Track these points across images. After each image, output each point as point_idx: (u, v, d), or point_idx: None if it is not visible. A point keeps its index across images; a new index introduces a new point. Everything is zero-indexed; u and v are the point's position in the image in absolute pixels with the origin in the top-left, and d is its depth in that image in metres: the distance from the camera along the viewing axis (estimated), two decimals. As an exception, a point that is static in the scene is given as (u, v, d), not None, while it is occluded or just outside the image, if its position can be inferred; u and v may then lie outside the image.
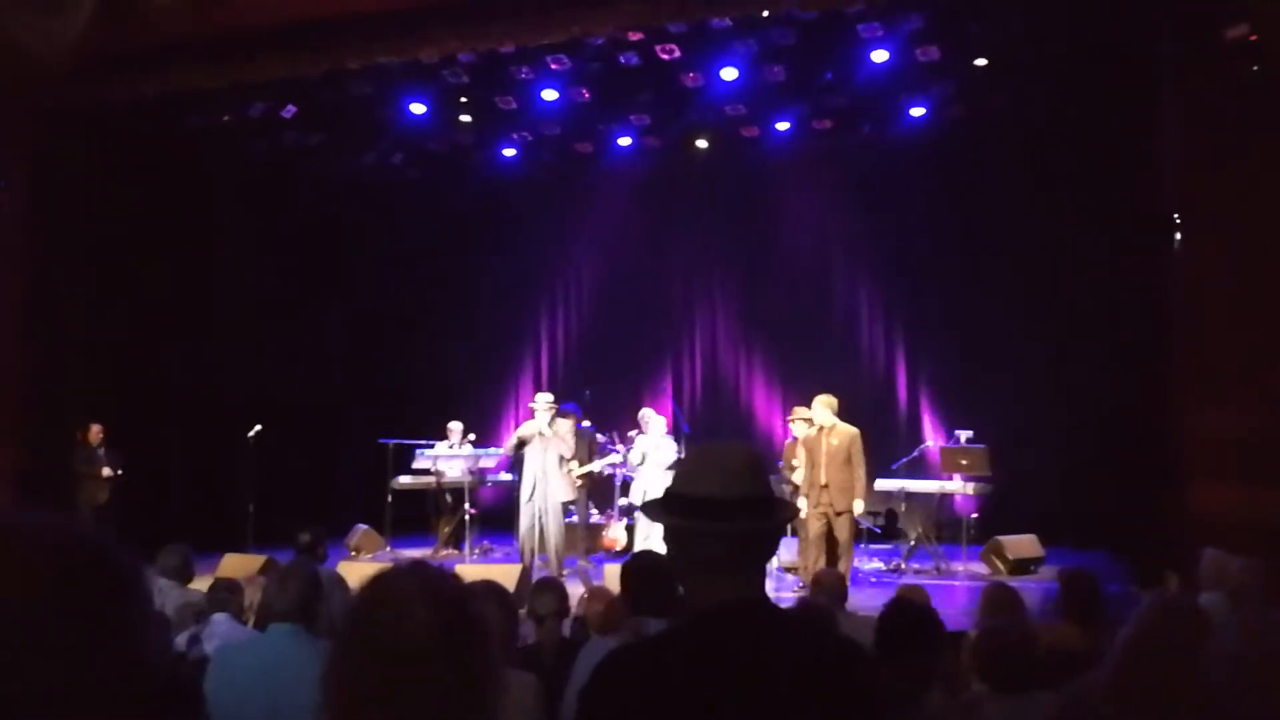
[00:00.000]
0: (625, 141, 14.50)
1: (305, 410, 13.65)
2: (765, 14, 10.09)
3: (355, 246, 14.98)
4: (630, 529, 11.92)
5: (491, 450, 12.84)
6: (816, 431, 10.00)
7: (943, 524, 11.75)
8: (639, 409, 12.98)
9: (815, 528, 9.80)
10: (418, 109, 12.90)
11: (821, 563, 9.41)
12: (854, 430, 9.92)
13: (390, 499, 12.64)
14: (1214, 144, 8.59)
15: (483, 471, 12.85)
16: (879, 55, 11.44)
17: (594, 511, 12.84)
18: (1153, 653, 2.52)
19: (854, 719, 1.89)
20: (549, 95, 12.55)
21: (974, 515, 11.43)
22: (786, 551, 10.28)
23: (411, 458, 12.80)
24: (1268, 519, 7.31)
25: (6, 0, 8.36)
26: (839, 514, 9.77)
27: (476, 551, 12.27)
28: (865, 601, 8.66)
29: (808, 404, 10.23)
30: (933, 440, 13.12)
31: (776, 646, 1.88)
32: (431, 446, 12.75)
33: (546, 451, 10.76)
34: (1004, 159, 13.01)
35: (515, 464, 11.56)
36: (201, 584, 6.50)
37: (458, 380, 15.23)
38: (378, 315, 15.21)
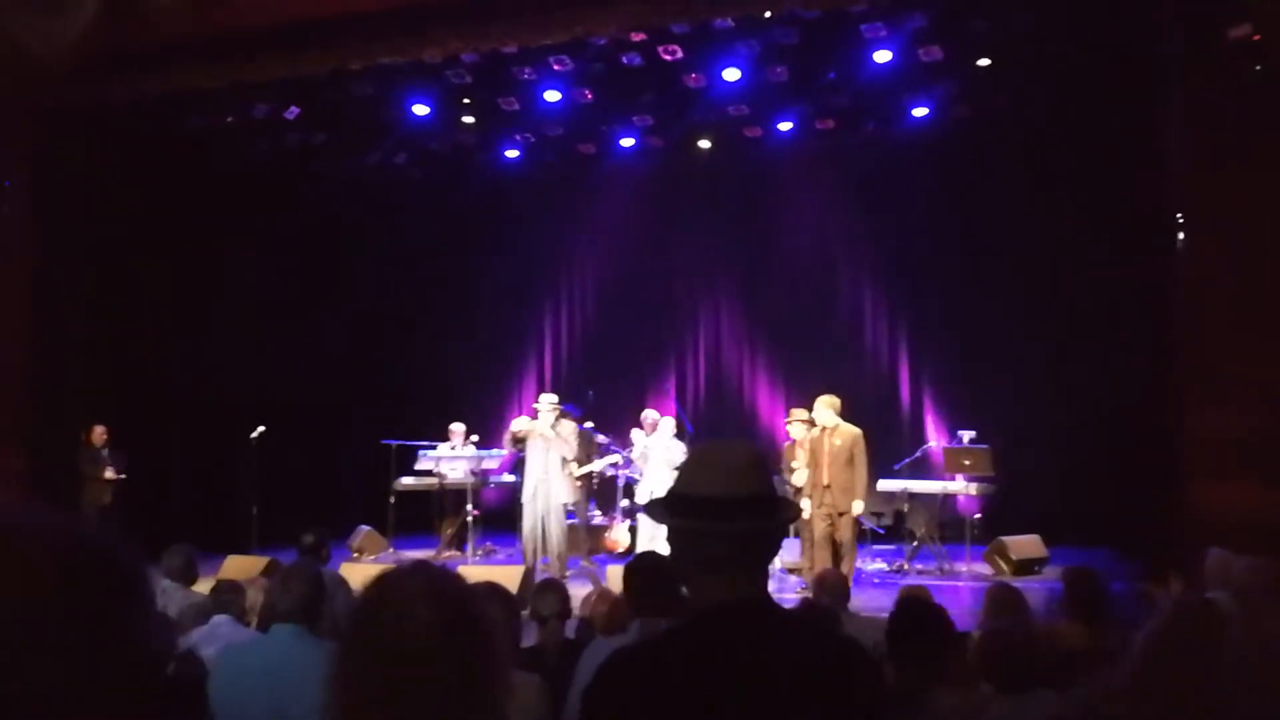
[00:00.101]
0: (628, 142, 14.50)
1: (308, 411, 13.65)
2: (768, 14, 10.09)
3: (358, 247, 14.98)
4: (633, 530, 11.91)
5: (494, 451, 12.84)
6: (819, 432, 9.99)
7: (946, 524, 11.73)
8: (642, 409, 12.99)
9: (820, 529, 9.78)
10: (420, 110, 12.89)
11: (826, 564, 9.39)
12: (857, 431, 9.91)
13: (393, 500, 12.64)
14: (1216, 144, 8.58)
15: (485, 473, 12.84)
16: (882, 55, 11.42)
17: (597, 513, 12.84)
18: (1172, 652, 2.51)
19: (856, 719, 1.88)
20: (551, 96, 12.54)
21: (977, 515, 11.41)
22: (789, 552, 10.27)
23: (414, 459, 12.80)
24: (1270, 518, 7.31)
25: (8, 1, 8.37)
26: (841, 514, 9.76)
27: (479, 553, 12.26)
28: (868, 602, 8.66)
29: (809, 404, 10.22)
30: (935, 440, 13.11)
31: (779, 646, 1.88)
32: (434, 447, 12.74)
33: (549, 453, 10.76)
34: (1006, 159, 13.00)
35: (517, 465, 11.55)
36: (204, 585, 6.50)
37: (460, 381, 15.22)
38: (381, 316, 15.21)
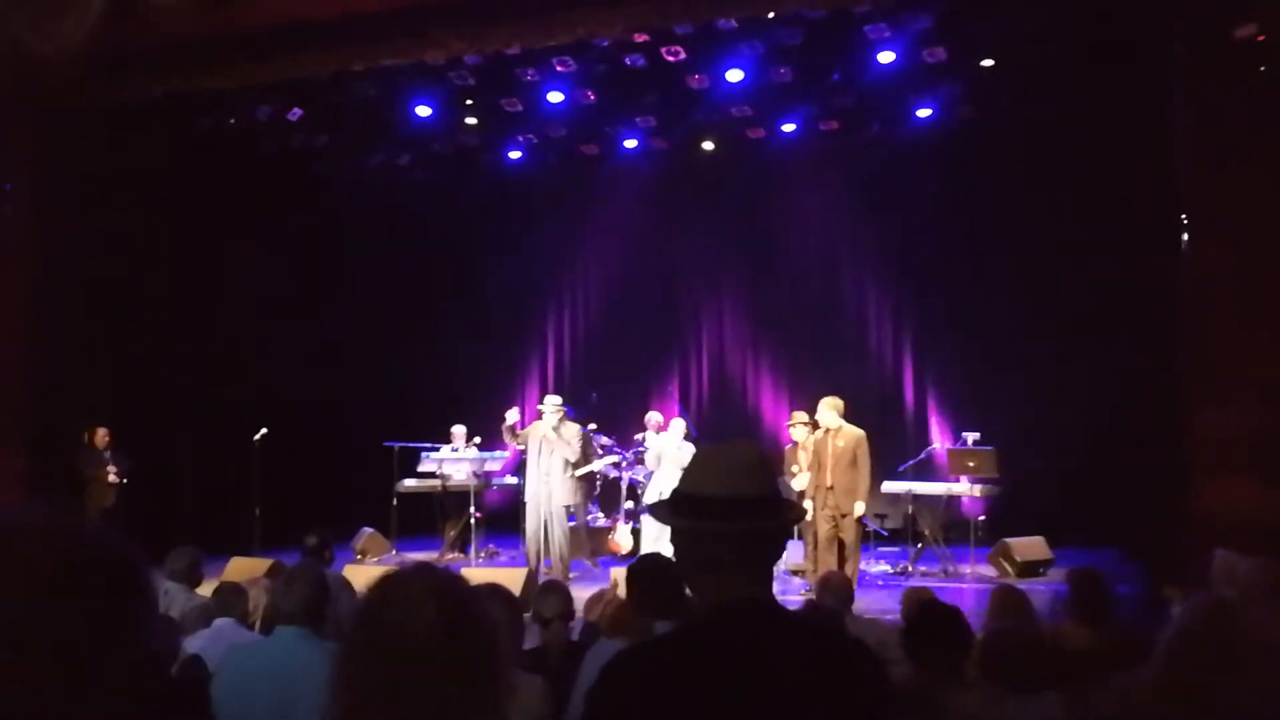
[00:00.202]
0: (631, 143, 14.50)
1: (311, 413, 13.65)
2: (771, 15, 10.08)
3: (361, 249, 14.99)
4: (636, 532, 11.90)
5: (497, 453, 12.84)
6: (823, 433, 9.98)
7: (950, 526, 11.73)
8: (646, 411, 13.00)
9: (824, 530, 9.77)
10: (423, 111, 12.90)
11: (830, 566, 9.37)
12: (860, 432, 9.90)
13: (396, 502, 12.65)
14: (1220, 144, 8.57)
15: (488, 475, 12.85)
16: (886, 56, 11.41)
17: (600, 515, 12.83)
18: (1195, 652, 2.50)
19: (861, 719, 1.88)
20: (555, 97, 12.54)
21: (981, 517, 11.40)
22: (793, 554, 10.27)
23: (417, 461, 12.81)
24: (1277, 518, 7.29)
25: (12, 2, 8.37)
26: (845, 516, 9.75)
27: (482, 555, 12.26)
28: (872, 604, 8.65)
29: (813, 406, 10.21)
30: (940, 442, 13.10)
31: (783, 647, 1.87)
32: (437, 449, 12.75)
33: (552, 455, 10.76)
34: (1010, 160, 12.99)
35: (520, 467, 11.55)
36: (208, 588, 6.50)
37: (464, 382, 15.22)
38: (383, 317, 15.22)
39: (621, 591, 4.87)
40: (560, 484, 10.76)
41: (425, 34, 9.30)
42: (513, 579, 8.59)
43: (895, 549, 11.99)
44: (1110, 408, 11.75)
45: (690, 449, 11.27)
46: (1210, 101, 8.68)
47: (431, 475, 12.75)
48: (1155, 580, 7.51)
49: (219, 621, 5.37)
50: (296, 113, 12.44)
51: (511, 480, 13.01)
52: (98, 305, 11.54)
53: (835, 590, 5.88)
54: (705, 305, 15.40)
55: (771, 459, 2.14)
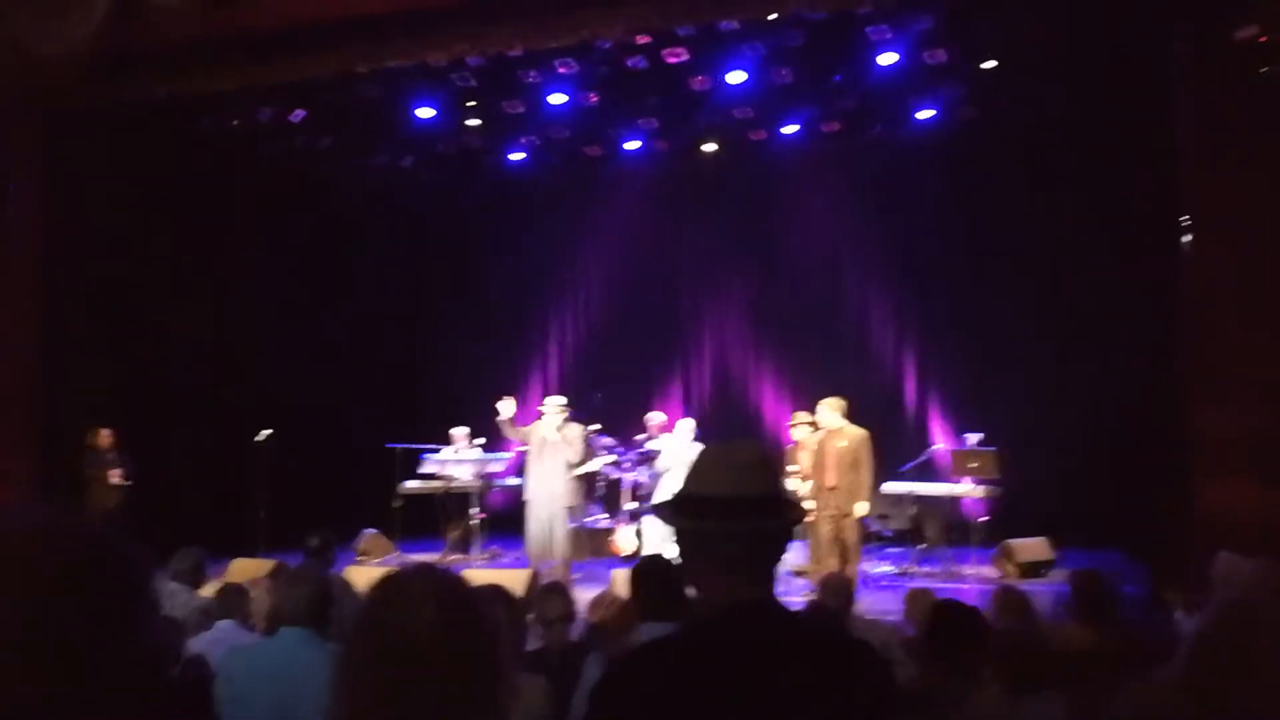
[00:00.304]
0: (633, 145, 14.48)
1: (314, 414, 13.65)
2: (773, 17, 10.08)
3: (364, 250, 15.00)
4: (638, 534, 11.89)
5: (500, 454, 12.84)
6: (824, 434, 9.97)
7: (952, 527, 11.72)
8: (648, 412, 13.00)
9: (826, 531, 9.77)
10: (426, 112, 12.89)
11: (832, 567, 9.37)
12: (863, 432, 9.89)
13: (398, 503, 12.64)
14: (1223, 145, 8.57)
15: (491, 476, 12.84)
16: (887, 58, 11.40)
17: (603, 515, 12.82)
18: (1222, 653, 2.49)
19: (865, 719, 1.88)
20: (557, 99, 12.53)
21: (984, 518, 11.40)
22: (795, 555, 10.26)
23: (420, 462, 12.80)
24: (1277, 519, 7.29)
25: (16, 3, 8.38)
26: (847, 516, 9.74)
27: (485, 556, 12.25)
28: (874, 605, 8.65)
29: (815, 407, 10.21)
30: (942, 443, 13.09)
31: (788, 647, 1.88)
32: (440, 450, 12.75)
33: (554, 456, 10.75)
34: (1012, 161, 12.98)
35: (522, 468, 11.55)
36: (211, 589, 6.50)
37: (466, 384, 15.21)
38: (386, 318, 15.22)
39: (623, 592, 4.88)
40: (562, 485, 10.75)
41: (428, 36, 9.32)
42: (515, 580, 8.59)
43: (898, 550, 11.99)
44: (1112, 408, 11.74)
45: (698, 449, 11.25)
46: (1212, 102, 8.68)
47: (434, 476, 12.74)
48: (1156, 582, 7.52)
49: (221, 623, 5.37)
50: (299, 114, 12.44)
51: (514, 481, 12.99)
52: (101, 306, 11.55)
53: (836, 591, 5.88)
54: (707, 306, 15.40)
55: (775, 458, 2.14)
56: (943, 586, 9.70)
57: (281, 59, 9.56)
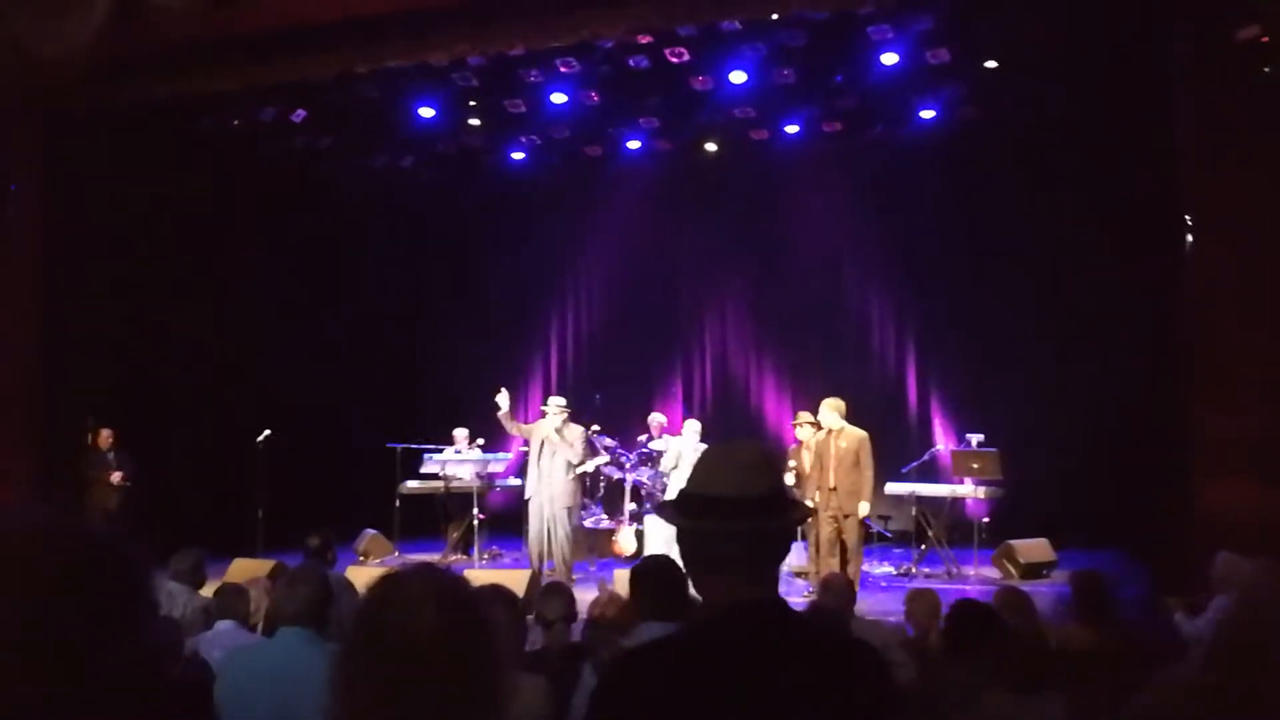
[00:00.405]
0: (635, 145, 14.49)
1: (314, 414, 13.65)
2: (774, 16, 10.08)
3: (364, 250, 15.00)
4: (640, 534, 11.89)
5: (500, 455, 12.83)
6: (825, 434, 9.97)
7: (954, 527, 11.72)
8: (649, 412, 13.00)
9: (826, 532, 9.77)
10: (427, 112, 12.90)
11: (833, 568, 9.37)
12: (862, 433, 9.89)
13: (399, 504, 12.64)
14: (1224, 146, 8.56)
15: (491, 476, 12.84)
16: (889, 57, 11.41)
17: (604, 517, 12.81)
18: (1245, 647, 2.47)
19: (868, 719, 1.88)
20: (558, 98, 12.54)
21: (985, 519, 11.40)
22: (795, 555, 10.26)
23: (420, 462, 12.80)
24: (1277, 519, 7.29)
25: (17, 4, 8.38)
26: (848, 517, 9.74)
27: (485, 556, 12.25)
28: (875, 606, 8.65)
29: (816, 407, 10.21)
30: (943, 444, 13.09)
31: (789, 647, 1.88)
32: (440, 451, 12.75)
33: (554, 457, 10.75)
34: (1014, 161, 12.98)
35: (523, 469, 11.56)
36: (211, 589, 6.50)
37: (466, 384, 15.22)
38: (387, 318, 15.23)
39: (622, 592, 4.87)
40: (562, 486, 10.75)
41: (428, 35, 9.30)
42: (516, 580, 8.59)
43: (899, 550, 11.99)
44: (1112, 408, 11.74)
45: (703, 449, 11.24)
46: (1212, 102, 8.67)
47: (434, 477, 12.74)
48: (1156, 583, 7.52)
49: (221, 623, 5.37)
50: (300, 114, 12.45)
51: (515, 482, 13.01)
52: (101, 306, 11.54)
53: (837, 592, 5.88)
54: (708, 306, 15.40)
55: (778, 458, 2.15)
56: (944, 587, 9.71)
57: (282, 59, 9.55)
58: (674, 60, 11.45)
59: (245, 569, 9.19)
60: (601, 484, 12.88)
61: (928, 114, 13.00)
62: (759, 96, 12.54)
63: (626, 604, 4.73)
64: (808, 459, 10.21)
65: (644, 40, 11.06)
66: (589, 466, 12.00)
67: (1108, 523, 11.22)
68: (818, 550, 9.90)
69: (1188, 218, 8.97)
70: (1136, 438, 11.15)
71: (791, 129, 13.63)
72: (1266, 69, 8.22)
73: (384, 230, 15.17)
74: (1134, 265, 11.34)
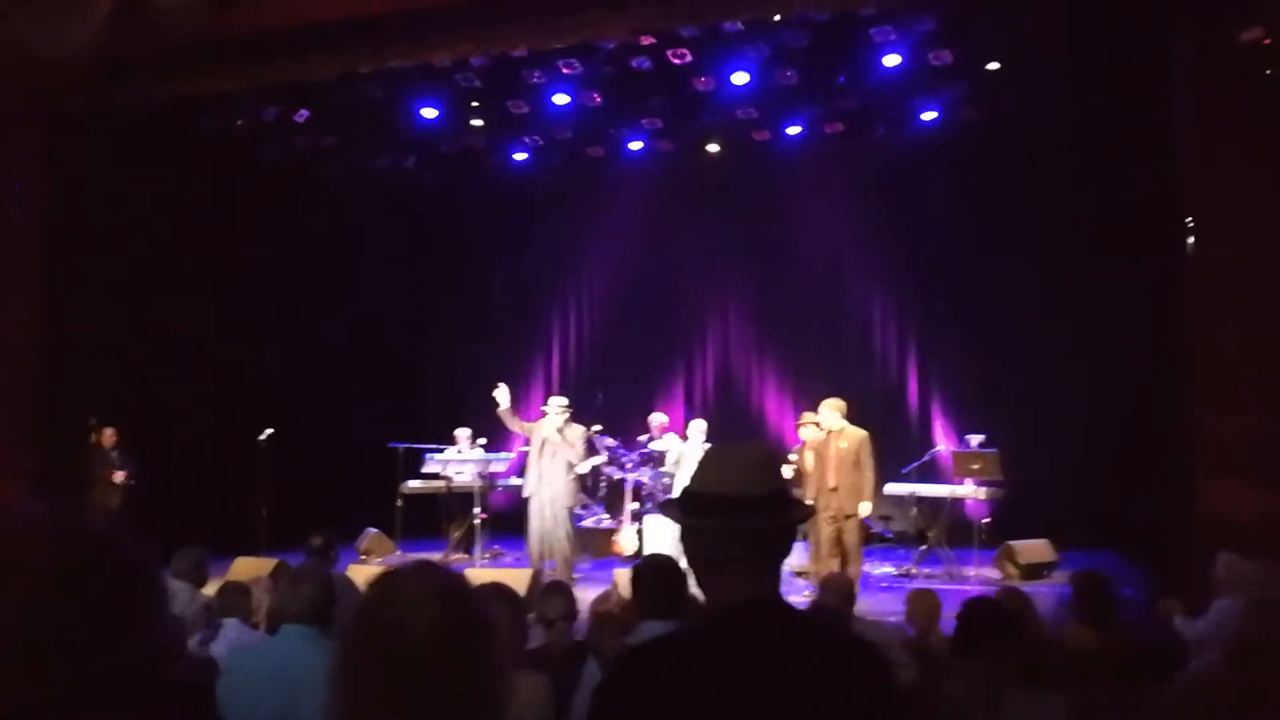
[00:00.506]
0: (637, 145, 14.49)
1: (316, 414, 13.66)
2: (777, 17, 10.08)
3: (366, 250, 15.01)
4: (640, 534, 11.89)
5: (502, 455, 12.84)
6: (825, 435, 9.98)
7: (954, 528, 11.72)
8: (650, 412, 12.99)
9: (827, 532, 9.77)
10: (429, 113, 12.91)
11: (833, 568, 9.37)
12: (863, 433, 9.89)
13: (400, 503, 12.65)
14: (1226, 147, 8.55)
15: (493, 476, 12.85)
16: (891, 59, 11.41)
17: (604, 516, 12.82)
18: (1259, 651, 2.48)
19: (871, 718, 1.89)
20: (560, 99, 12.54)
21: (986, 520, 11.40)
22: (796, 555, 10.26)
23: (422, 462, 12.81)
24: (1278, 521, 7.28)
25: (18, 4, 8.39)
26: (848, 517, 9.75)
27: (487, 556, 12.26)
28: (875, 606, 8.65)
29: (817, 407, 10.21)
30: (944, 444, 13.09)
31: (791, 646, 1.88)
32: (442, 450, 12.76)
33: (555, 457, 10.75)
34: (1015, 162, 12.99)
35: (524, 468, 11.56)
36: (214, 588, 6.51)
37: (469, 384, 15.20)
38: (389, 318, 15.23)
39: (625, 591, 4.88)
40: (563, 485, 10.76)
41: (431, 36, 9.29)
42: (517, 580, 8.58)
43: (900, 551, 11.99)
44: (1112, 408, 11.75)
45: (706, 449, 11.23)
46: (1215, 104, 8.66)
47: (436, 476, 12.76)
48: (1156, 584, 7.52)
49: (225, 622, 5.38)
50: (303, 114, 12.45)
51: (516, 481, 13.00)
52: (103, 306, 11.54)
53: (838, 592, 5.88)
54: (710, 307, 15.40)
55: (780, 457, 2.16)
56: (945, 588, 9.71)
57: (284, 59, 9.55)
58: (676, 61, 11.45)
59: (248, 568, 9.19)
60: (602, 484, 12.88)
61: (929, 115, 13.00)
62: (761, 97, 12.53)
63: (628, 603, 4.74)
64: (810, 459, 10.22)
65: (646, 41, 11.06)
66: (584, 468, 12.00)
67: (1108, 523, 11.23)
68: (818, 550, 9.91)
69: (1188, 218, 8.96)
70: (1137, 438, 11.16)
71: (793, 130, 13.64)
72: (1269, 71, 8.21)
73: (386, 230, 15.17)
74: (1134, 265, 11.35)
